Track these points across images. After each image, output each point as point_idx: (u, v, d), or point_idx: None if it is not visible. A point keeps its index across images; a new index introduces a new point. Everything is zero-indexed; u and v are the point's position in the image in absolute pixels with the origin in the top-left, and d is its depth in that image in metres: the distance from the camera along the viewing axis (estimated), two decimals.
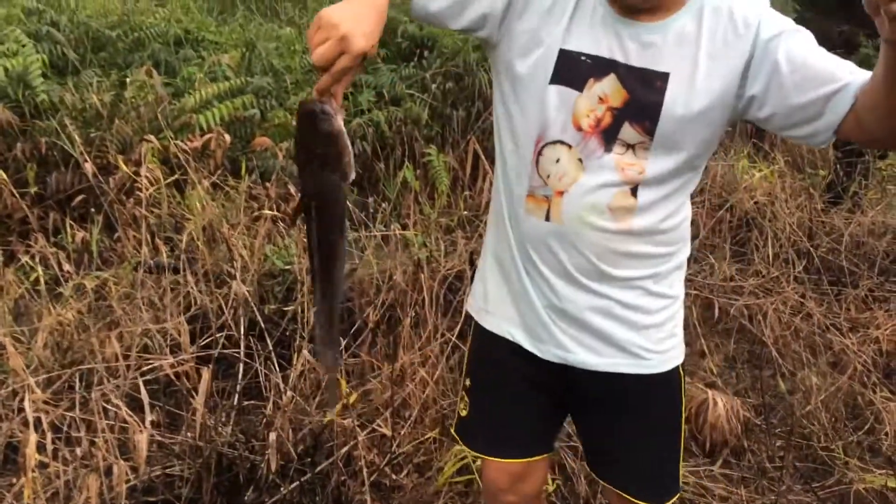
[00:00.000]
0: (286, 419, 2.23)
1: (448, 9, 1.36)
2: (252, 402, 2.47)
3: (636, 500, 1.48)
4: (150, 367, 2.31)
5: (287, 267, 2.89)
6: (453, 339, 2.60)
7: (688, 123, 1.27)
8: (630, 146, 1.29)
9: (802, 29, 1.26)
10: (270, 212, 3.04)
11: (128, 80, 3.95)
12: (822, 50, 1.24)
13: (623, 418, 1.47)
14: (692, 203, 1.42)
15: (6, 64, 3.72)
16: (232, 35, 5.46)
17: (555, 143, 1.32)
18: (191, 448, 2.18)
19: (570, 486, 2.35)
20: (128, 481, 1.99)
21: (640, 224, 1.33)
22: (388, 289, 2.79)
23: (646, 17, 1.28)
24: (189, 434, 2.20)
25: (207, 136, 3.55)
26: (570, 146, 1.31)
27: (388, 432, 2.33)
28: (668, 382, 1.45)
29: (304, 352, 2.43)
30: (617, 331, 1.39)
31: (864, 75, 1.18)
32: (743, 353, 3.16)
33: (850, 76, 1.19)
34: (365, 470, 2.16)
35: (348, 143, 1.15)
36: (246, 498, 2.14)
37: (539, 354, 1.44)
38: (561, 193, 1.32)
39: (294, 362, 2.41)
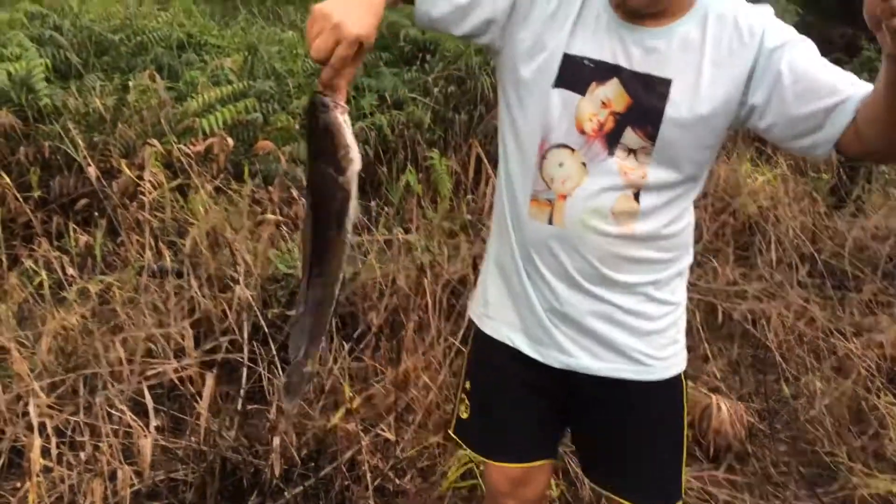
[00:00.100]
0: (290, 424, 2.23)
1: (450, 14, 1.36)
2: (255, 406, 2.47)
3: None
4: (154, 371, 2.31)
5: (290, 271, 2.89)
6: (456, 343, 2.59)
7: (690, 129, 1.27)
8: (632, 151, 1.29)
9: (807, 39, 1.26)
10: (273, 216, 3.04)
11: (131, 84, 3.96)
12: (826, 61, 1.24)
13: (624, 425, 1.46)
14: (695, 207, 1.42)
15: (10, 68, 3.73)
16: (234, 39, 5.48)
17: (558, 146, 1.32)
18: (195, 452, 2.18)
19: (573, 492, 2.35)
20: (132, 486, 1.99)
21: (643, 229, 1.33)
22: (392, 293, 2.78)
23: (650, 23, 1.28)
24: (193, 438, 2.20)
25: (210, 140, 3.55)
26: (573, 150, 1.31)
27: (392, 437, 2.32)
28: (669, 389, 1.44)
29: None
30: (618, 336, 1.39)
31: (865, 88, 1.18)
32: (746, 358, 3.16)
33: (851, 89, 1.19)
34: (368, 475, 2.16)
35: (346, 136, 1.12)
36: (250, 502, 2.14)
37: (540, 359, 1.44)
38: (564, 197, 1.32)
39: None
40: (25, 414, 2.05)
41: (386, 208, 3.49)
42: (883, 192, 4.52)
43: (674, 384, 1.45)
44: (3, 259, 2.86)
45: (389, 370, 2.49)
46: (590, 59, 1.30)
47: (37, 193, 3.34)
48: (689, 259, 1.45)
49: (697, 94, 1.26)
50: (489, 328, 1.52)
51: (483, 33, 1.37)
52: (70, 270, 2.71)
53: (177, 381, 2.33)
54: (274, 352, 2.50)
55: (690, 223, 1.42)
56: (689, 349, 1.50)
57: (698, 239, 3.45)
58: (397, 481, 2.30)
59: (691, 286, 1.41)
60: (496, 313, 1.50)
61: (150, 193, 2.96)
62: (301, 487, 2.15)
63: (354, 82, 4.33)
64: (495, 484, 1.60)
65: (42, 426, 1.93)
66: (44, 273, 2.69)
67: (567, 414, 1.55)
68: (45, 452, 1.91)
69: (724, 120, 1.29)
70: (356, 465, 2.23)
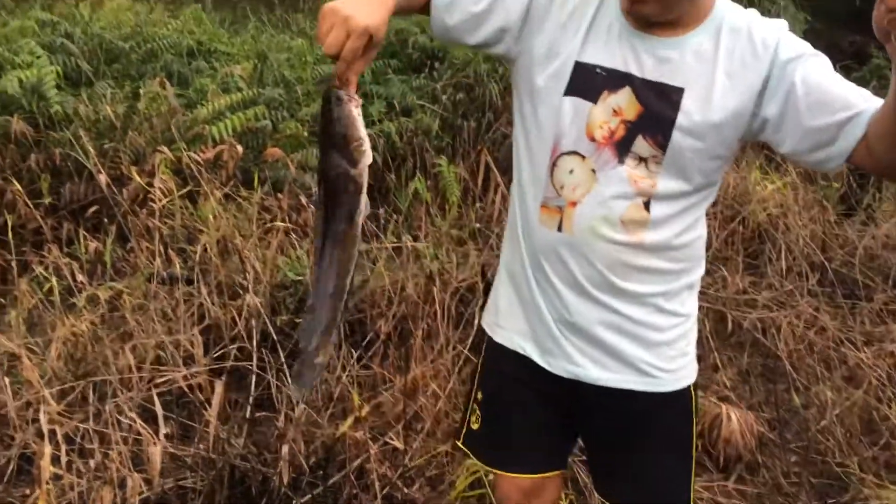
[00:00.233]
0: (298, 431, 2.23)
1: (465, 23, 1.37)
2: (264, 413, 2.47)
3: None
4: (163, 379, 2.31)
5: (299, 278, 2.89)
6: (465, 351, 2.59)
7: (700, 139, 1.27)
8: (643, 159, 1.29)
9: (820, 54, 1.26)
10: (282, 223, 3.05)
11: (141, 91, 3.98)
12: (839, 76, 1.24)
13: (632, 437, 1.45)
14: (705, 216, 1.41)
15: (21, 75, 3.75)
16: (244, 46, 5.49)
17: (569, 153, 1.33)
18: (204, 460, 2.17)
19: (582, 501, 2.33)
20: (141, 493, 1.99)
21: (653, 238, 1.33)
22: (400, 301, 2.79)
23: (662, 32, 1.29)
24: (202, 446, 2.20)
25: (220, 148, 3.56)
26: (583, 157, 1.32)
27: (401, 445, 2.32)
28: (678, 401, 1.44)
29: None
30: (627, 347, 1.38)
31: (877, 103, 1.18)
32: (756, 367, 3.14)
33: (864, 104, 1.19)
34: (377, 483, 2.15)
35: (360, 129, 1.14)
36: None
37: (548, 368, 1.43)
38: (574, 204, 1.33)
39: None
40: (35, 421, 2.05)
41: (394, 215, 3.49)
42: (893, 201, 4.49)
43: (683, 396, 1.44)
44: (14, 265, 2.87)
45: (398, 378, 2.49)
46: (602, 68, 1.31)
47: (47, 200, 3.35)
48: (700, 271, 1.44)
49: (709, 103, 1.26)
50: (500, 337, 1.52)
51: (497, 42, 1.38)
52: (80, 277, 2.72)
53: (186, 389, 2.33)
54: (283, 359, 2.50)
55: (702, 235, 1.41)
56: (699, 358, 1.50)
57: (707, 247, 3.43)
58: (406, 490, 2.30)
59: (700, 294, 1.40)
60: (507, 322, 1.50)
61: (159, 200, 2.97)
62: (309, 496, 2.15)
63: (363, 90, 4.34)
64: (506, 495, 1.60)
65: (52, 433, 1.94)
66: (54, 279, 2.70)
67: (576, 425, 1.55)
68: (55, 460, 1.91)
69: (736, 131, 1.29)
70: (364, 474, 2.23)
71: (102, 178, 3.16)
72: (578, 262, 1.35)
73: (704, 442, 2.60)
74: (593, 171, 1.31)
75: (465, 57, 4.61)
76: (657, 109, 1.27)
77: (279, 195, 3.33)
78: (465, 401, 1.70)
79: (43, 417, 1.94)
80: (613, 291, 1.36)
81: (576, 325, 1.39)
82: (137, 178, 3.19)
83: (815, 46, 1.28)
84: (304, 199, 3.37)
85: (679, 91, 1.27)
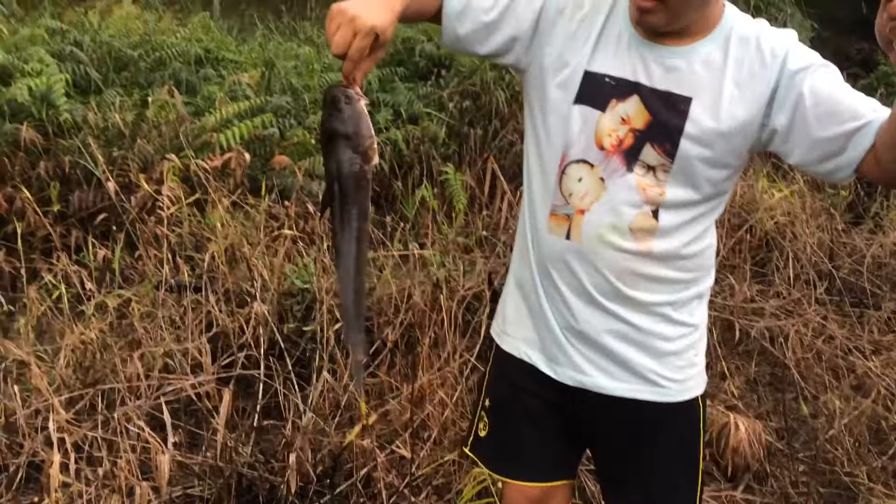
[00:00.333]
0: (306, 440, 2.23)
1: (475, 33, 1.38)
2: (271, 422, 2.47)
3: None
4: (171, 387, 2.32)
5: (306, 286, 2.90)
6: (472, 359, 2.59)
7: (708, 148, 1.27)
8: (651, 168, 1.29)
9: (830, 64, 1.26)
10: (290, 231, 3.06)
11: (149, 99, 4.00)
12: (848, 86, 1.24)
13: (638, 446, 1.45)
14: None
15: (30, 83, 3.78)
16: (251, 54, 5.52)
17: (578, 161, 1.33)
18: (211, 468, 2.18)
19: None
20: (149, 501, 1.99)
21: (661, 247, 1.33)
22: (407, 309, 2.79)
23: (670, 41, 1.29)
24: (209, 454, 2.21)
25: (227, 155, 3.58)
26: (592, 165, 1.32)
27: (408, 454, 2.32)
28: (686, 412, 1.43)
29: (324, 372, 2.43)
30: (634, 356, 1.38)
31: (886, 114, 1.18)
32: (764, 376, 3.13)
33: (873, 114, 1.19)
34: (384, 492, 2.15)
35: (369, 126, 1.16)
36: None
37: (554, 376, 1.43)
38: (582, 212, 1.33)
39: (314, 382, 2.41)
40: (44, 428, 2.06)
41: (401, 223, 3.49)
42: None
43: (691, 407, 1.43)
44: (23, 273, 2.89)
45: (405, 386, 2.49)
46: (610, 77, 1.31)
47: (56, 207, 3.37)
48: (709, 281, 1.44)
49: (718, 112, 1.26)
50: (507, 345, 1.52)
51: (507, 51, 1.39)
52: (88, 284, 2.73)
53: (194, 397, 2.34)
54: (290, 367, 2.50)
55: (711, 245, 1.41)
56: (707, 367, 1.49)
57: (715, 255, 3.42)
58: (413, 499, 2.29)
59: (708, 303, 1.40)
60: (514, 330, 1.50)
61: (167, 208, 2.98)
62: None
63: (370, 98, 4.35)
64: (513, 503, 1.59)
65: (61, 441, 1.94)
66: (63, 287, 2.71)
67: (583, 434, 1.54)
68: (64, 467, 1.92)
69: (744, 141, 1.29)
70: (372, 482, 2.23)
71: (111, 186, 3.18)
72: (586, 269, 1.35)
73: (712, 451, 2.58)
74: (602, 179, 1.32)
75: (472, 65, 4.63)
76: (665, 118, 1.27)
77: (286, 203, 3.34)
78: (472, 408, 1.69)
79: (52, 425, 1.95)
80: (621, 300, 1.35)
81: (583, 333, 1.39)
82: (146, 186, 3.21)
83: (822, 54, 1.28)
84: (311, 207, 3.38)
85: (687, 100, 1.27)
